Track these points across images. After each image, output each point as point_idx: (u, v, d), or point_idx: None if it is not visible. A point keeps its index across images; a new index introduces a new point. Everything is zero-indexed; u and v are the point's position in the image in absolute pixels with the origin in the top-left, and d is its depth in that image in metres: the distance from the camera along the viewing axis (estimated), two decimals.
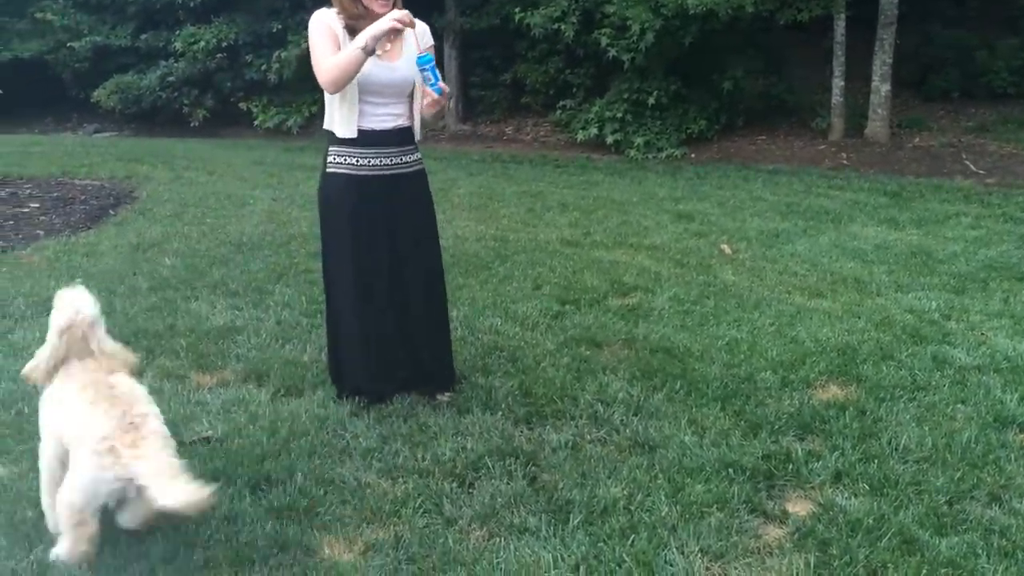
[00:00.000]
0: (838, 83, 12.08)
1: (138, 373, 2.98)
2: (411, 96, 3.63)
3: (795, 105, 13.19)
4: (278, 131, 15.47)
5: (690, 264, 6.19)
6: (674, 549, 2.71)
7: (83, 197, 8.55)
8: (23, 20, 17.09)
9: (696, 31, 11.49)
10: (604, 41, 11.98)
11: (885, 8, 11.66)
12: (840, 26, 11.87)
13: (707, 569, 2.65)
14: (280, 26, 15.27)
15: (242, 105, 15.88)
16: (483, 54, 15.11)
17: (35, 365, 2.70)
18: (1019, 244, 6.79)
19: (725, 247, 6.74)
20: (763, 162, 11.67)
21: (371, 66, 3.42)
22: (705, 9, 10.77)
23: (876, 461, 3.26)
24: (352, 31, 3.42)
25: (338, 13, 3.45)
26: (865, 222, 7.75)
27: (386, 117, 3.57)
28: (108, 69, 16.34)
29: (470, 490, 3.08)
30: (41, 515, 2.82)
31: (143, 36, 16.39)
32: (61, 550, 2.55)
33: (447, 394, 3.81)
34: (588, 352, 4.37)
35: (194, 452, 3.28)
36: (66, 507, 2.49)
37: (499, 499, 2.99)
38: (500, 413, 3.64)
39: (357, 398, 3.69)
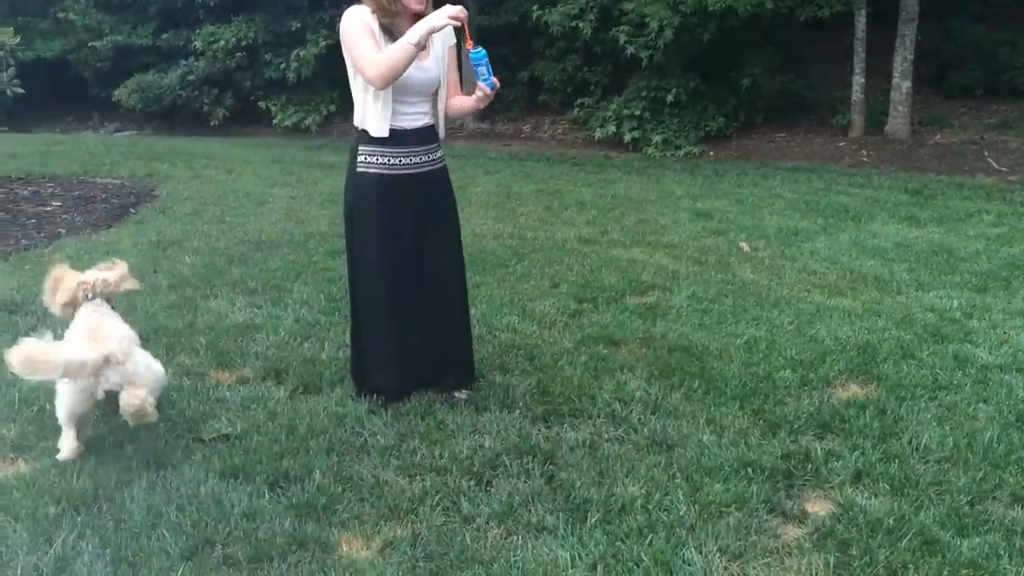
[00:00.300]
0: (858, 80, 11.99)
1: None
2: (435, 95, 3.65)
3: (815, 102, 13.10)
4: (297, 130, 15.53)
5: (708, 262, 6.16)
6: (692, 549, 2.70)
7: (104, 196, 8.62)
8: (46, 20, 17.25)
9: (715, 28, 11.43)
10: (622, 39, 11.95)
11: (906, 4, 11.56)
12: (861, 22, 11.78)
13: (725, 569, 2.64)
14: (299, 25, 15.33)
15: (261, 104, 15.95)
16: (500, 52, 15.07)
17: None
18: None
19: (744, 245, 6.70)
20: (782, 160, 11.60)
21: None
22: (724, 6, 10.72)
23: (897, 461, 3.24)
24: (386, 29, 3.43)
25: (373, 12, 3.43)
26: (885, 220, 7.69)
27: (416, 116, 3.59)
28: (129, 68, 16.47)
29: (488, 488, 3.08)
30: (64, 511, 2.86)
31: (164, 35, 16.50)
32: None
33: (465, 392, 3.82)
34: (606, 350, 4.37)
35: (213, 449, 3.30)
36: None
37: (517, 497, 2.99)
38: (518, 411, 3.64)
39: (376, 396, 3.70)
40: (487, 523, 2.87)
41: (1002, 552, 2.70)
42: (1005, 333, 4.68)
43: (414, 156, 3.59)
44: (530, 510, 2.93)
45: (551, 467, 3.22)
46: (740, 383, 3.94)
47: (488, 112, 15.10)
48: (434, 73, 3.58)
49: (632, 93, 12.83)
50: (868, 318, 4.88)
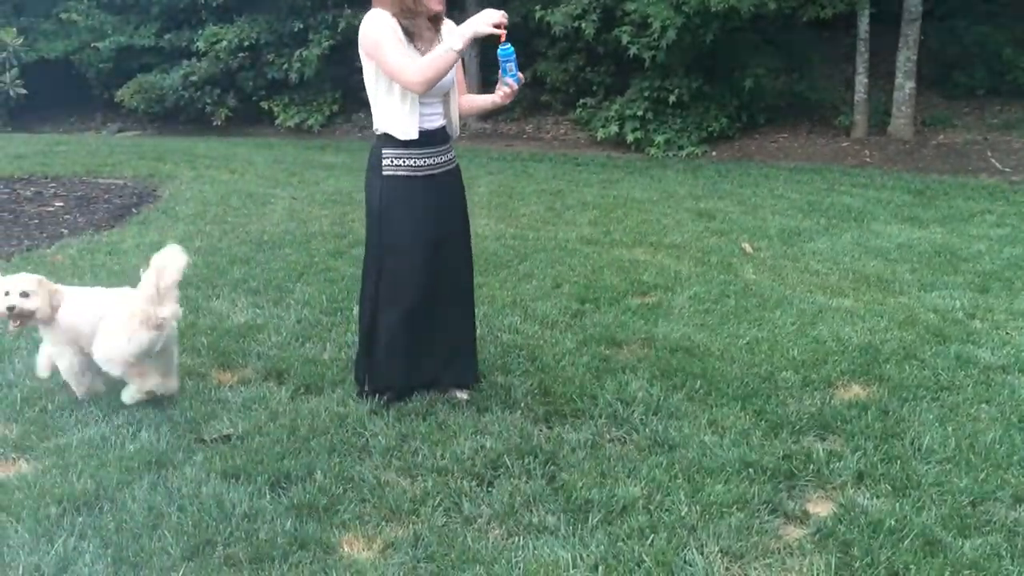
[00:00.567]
0: (861, 80, 11.97)
1: None
2: (447, 95, 3.68)
3: (817, 103, 13.09)
4: (299, 130, 15.54)
5: (711, 263, 6.16)
6: (693, 549, 2.70)
7: (106, 196, 8.62)
8: (48, 21, 17.25)
9: (717, 28, 11.42)
10: (625, 39, 11.94)
11: (909, 4, 11.55)
12: (864, 22, 11.77)
13: (727, 569, 2.64)
14: (302, 25, 15.32)
15: (264, 104, 15.96)
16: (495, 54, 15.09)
17: None
18: None
19: (746, 246, 6.70)
20: (785, 160, 11.59)
21: None
22: (727, 6, 10.71)
23: (898, 462, 3.24)
24: (407, 31, 3.44)
25: (393, 14, 3.41)
26: (888, 220, 7.68)
27: (434, 117, 3.62)
28: (132, 69, 16.47)
29: (489, 489, 3.08)
30: (65, 511, 2.87)
31: (166, 36, 16.50)
32: None
33: (466, 392, 3.82)
34: (607, 351, 4.37)
35: (214, 450, 3.31)
36: None
37: (518, 498, 3.00)
38: (519, 412, 3.65)
39: (380, 395, 3.70)
40: (488, 524, 2.87)
41: (1004, 553, 2.70)
42: (1008, 334, 4.67)
43: (436, 156, 3.62)
44: (531, 511, 2.93)
45: (552, 468, 3.22)
46: (742, 384, 3.93)
47: (490, 112, 15.09)
48: (450, 75, 3.58)
49: (635, 93, 12.82)
50: (870, 319, 4.87)
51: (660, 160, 11.92)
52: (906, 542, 2.73)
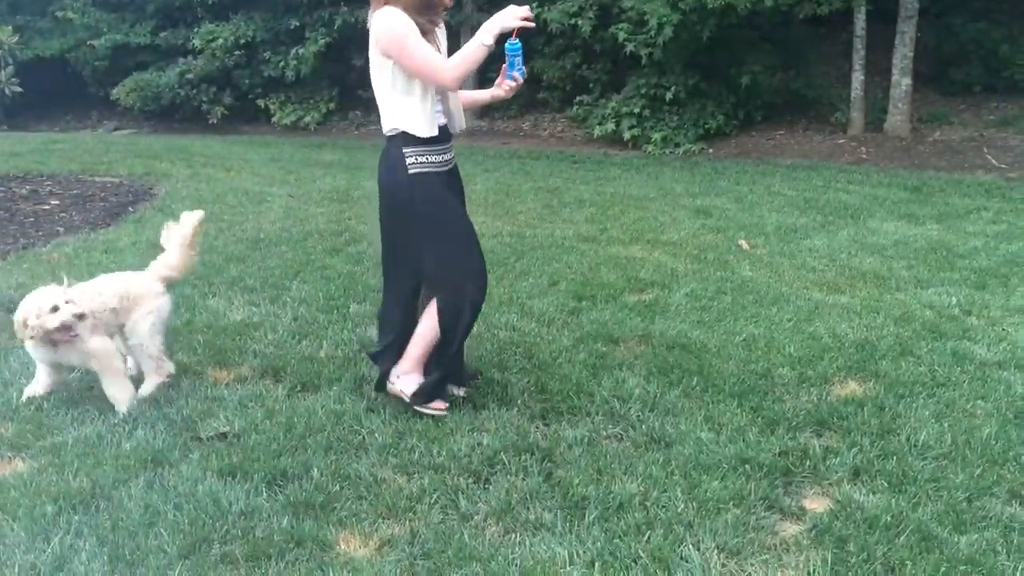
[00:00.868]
0: (858, 77, 11.98)
1: None
2: (446, 92, 3.65)
3: (814, 100, 13.10)
4: (296, 128, 15.53)
5: (707, 260, 6.16)
6: (690, 545, 2.70)
7: (103, 194, 8.61)
8: (44, 19, 17.23)
9: (714, 26, 11.43)
10: (621, 36, 11.94)
11: (906, 1, 11.56)
12: (860, 20, 11.78)
13: (723, 566, 2.64)
14: (298, 23, 15.31)
15: (260, 102, 15.95)
16: (499, 50, 15.09)
17: None
18: None
19: (743, 243, 6.70)
20: (781, 157, 11.60)
21: None
22: (723, 4, 10.73)
23: (895, 458, 3.24)
24: (421, 28, 3.41)
25: (404, 9, 3.35)
26: (884, 217, 7.69)
27: (440, 114, 3.61)
28: (128, 67, 16.45)
29: (486, 486, 3.08)
30: (61, 509, 2.86)
31: (162, 34, 16.49)
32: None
33: (463, 389, 3.81)
34: (604, 348, 4.37)
35: (211, 448, 3.30)
36: None
37: (515, 495, 2.99)
38: (516, 409, 3.64)
39: (375, 394, 3.69)
40: (485, 521, 2.87)
41: (1000, 548, 2.70)
42: (1003, 330, 4.68)
43: (447, 153, 3.60)
44: (528, 507, 2.93)
45: (549, 464, 3.22)
46: (738, 380, 3.94)
47: (487, 110, 15.11)
48: None
49: (631, 91, 12.83)
50: (867, 315, 4.88)
51: (657, 157, 11.92)
52: (902, 538, 2.74)
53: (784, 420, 3.55)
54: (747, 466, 3.17)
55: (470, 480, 3.10)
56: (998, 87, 12.73)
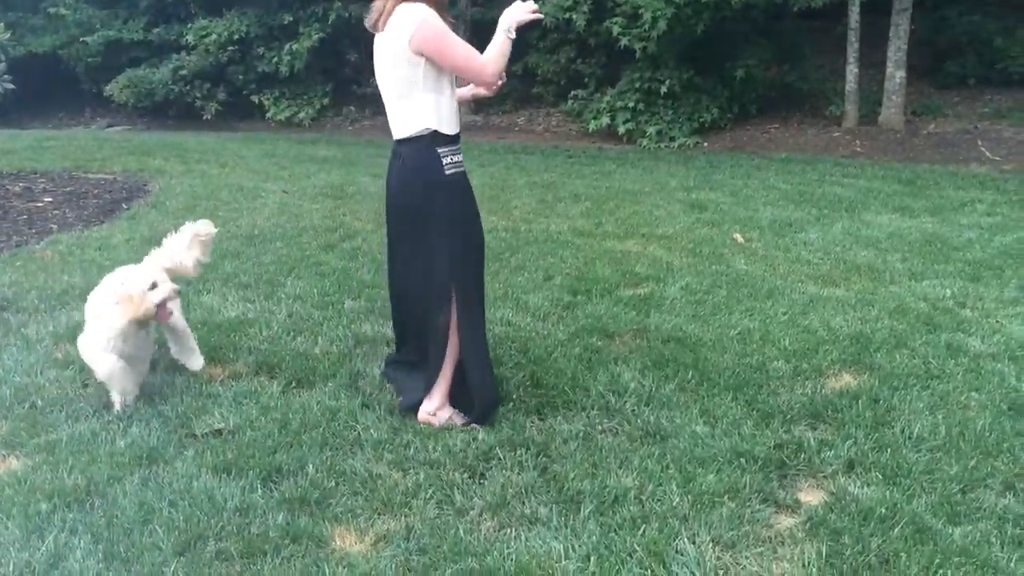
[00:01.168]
0: (852, 70, 11.98)
1: None
2: None
3: (808, 93, 13.10)
4: (290, 124, 15.50)
5: (702, 253, 6.16)
6: (685, 539, 2.71)
7: (96, 191, 8.58)
8: (37, 15, 17.17)
9: (708, 19, 11.42)
10: (616, 30, 11.93)
11: None
12: (854, 12, 11.77)
13: (718, 559, 2.65)
14: (291, 18, 15.27)
15: (254, 98, 15.91)
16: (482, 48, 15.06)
17: None
18: None
19: (738, 236, 6.70)
20: (776, 150, 11.60)
21: None
22: None
23: (889, 450, 3.25)
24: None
25: (428, 4, 3.30)
26: (879, 210, 7.70)
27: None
28: (121, 63, 16.40)
29: (481, 481, 3.09)
30: (56, 507, 2.86)
31: (155, 30, 16.44)
32: None
33: (463, 417, 3.78)
34: (599, 342, 4.37)
35: (206, 444, 3.30)
36: None
37: (510, 489, 3.00)
38: (511, 404, 3.64)
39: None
40: (480, 515, 2.87)
41: (993, 540, 2.71)
42: (997, 322, 4.69)
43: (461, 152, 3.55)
44: (523, 502, 2.93)
45: (544, 459, 3.22)
46: (733, 374, 3.94)
47: (482, 105, 15.08)
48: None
49: (626, 85, 12.82)
50: (861, 308, 4.88)
51: (652, 151, 11.92)
52: (896, 530, 2.74)
53: (779, 413, 3.55)
54: (742, 459, 3.17)
55: (465, 475, 3.10)
56: (992, 80, 12.73)
